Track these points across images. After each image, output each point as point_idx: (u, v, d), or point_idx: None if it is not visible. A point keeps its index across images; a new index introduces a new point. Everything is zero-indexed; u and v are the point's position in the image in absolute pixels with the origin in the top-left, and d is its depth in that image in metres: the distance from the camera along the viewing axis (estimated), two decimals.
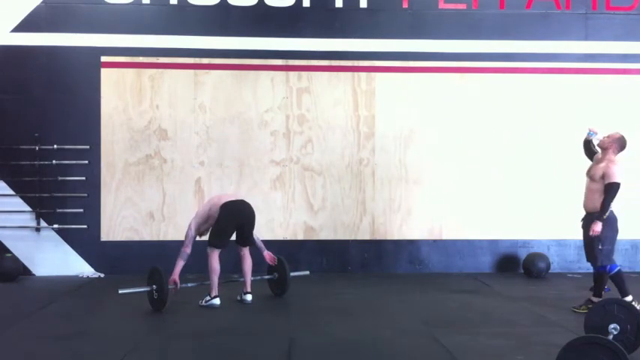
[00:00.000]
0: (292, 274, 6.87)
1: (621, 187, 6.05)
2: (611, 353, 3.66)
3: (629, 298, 5.89)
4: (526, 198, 8.32)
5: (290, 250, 8.22)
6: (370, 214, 8.29)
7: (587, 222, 6.10)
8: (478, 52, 8.34)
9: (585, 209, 6.18)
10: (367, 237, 8.29)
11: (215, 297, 6.34)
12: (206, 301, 6.34)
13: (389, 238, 8.31)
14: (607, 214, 6.00)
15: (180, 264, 6.29)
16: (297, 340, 5.14)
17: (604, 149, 6.13)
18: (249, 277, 6.58)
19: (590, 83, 8.43)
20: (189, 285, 6.48)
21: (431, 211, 8.30)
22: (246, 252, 6.60)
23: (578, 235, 8.24)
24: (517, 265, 8.33)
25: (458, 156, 8.31)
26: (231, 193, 6.95)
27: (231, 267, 7.89)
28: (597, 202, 6.02)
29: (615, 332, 4.52)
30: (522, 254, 8.28)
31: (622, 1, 8.46)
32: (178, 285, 6.23)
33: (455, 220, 8.31)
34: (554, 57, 8.41)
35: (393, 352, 4.91)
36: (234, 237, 6.55)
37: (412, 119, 8.31)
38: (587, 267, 8.40)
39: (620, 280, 6.10)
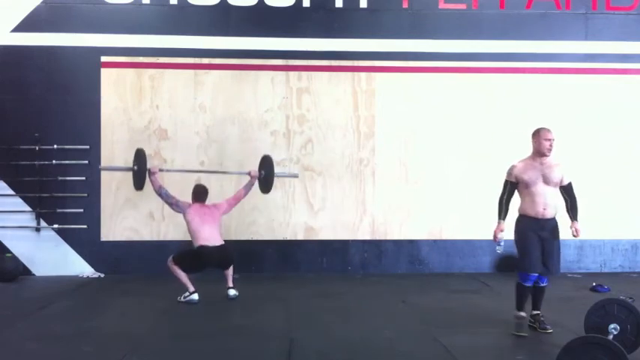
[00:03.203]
0: (279, 173, 7.19)
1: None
2: (611, 353, 3.66)
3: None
4: None
5: (290, 250, 8.24)
6: (370, 214, 8.29)
7: (553, 227, 5.44)
8: (478, 52, 8.34)
9: (547, 215, 5.40)
10: (367, 237, 8.30)
11: (193, 292, 6.46)
12: (185, 297, 6.46)
13: (389, 238, 8.31)
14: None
15: (156, 187, 6.63)
16: (297, 340, 5.14)
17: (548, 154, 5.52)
18: (230, 274, 6.71)
19: (590, 83, 8.43)
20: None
21: (431, 211, 8.30)
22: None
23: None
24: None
25: (458, 156, 8.32)
26: (208, 231, 6.50)
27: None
28: (559, 206, 5.50)
29: (615, 332, 4.52)
30: None
31: (622, 1, 8.47)
32: (157, 169, 6.68)
33: (455, 220, 8.31)
34: (554, 57, 8.41)
35: (393, 352, 4.90)
36: None
37: (412, 119, 8.31)
38: (587, 267, 8.46)
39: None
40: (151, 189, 7.95)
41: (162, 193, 6.64)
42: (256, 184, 6.96)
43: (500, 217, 5.56)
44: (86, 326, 5.61)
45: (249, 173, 6.96)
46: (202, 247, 6.48)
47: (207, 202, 6.88)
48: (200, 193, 6.85)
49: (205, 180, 7.74)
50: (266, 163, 6.98)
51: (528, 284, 5.40)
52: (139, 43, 8.10)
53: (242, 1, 8.17)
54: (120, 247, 8.03)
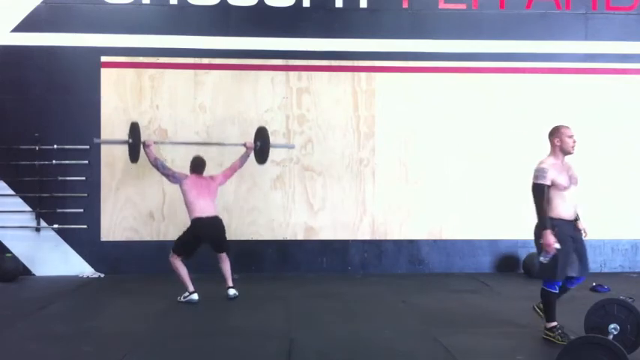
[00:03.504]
0: (275, 144, 7.38)
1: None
2: (611, 353, 3.66)
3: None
4: (526, 198, 8.28)
5: (290, 250, 8.24)
6: (370, 214, 8.29)
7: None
8: (478, 52, 8.34)
9: (574, 216, 5.31)
10: (367, 237, 8.30)
11: (193, 292, 6.51)
12: (184, 297, 6.51)
13: (389, 238, 8.31)
14: None
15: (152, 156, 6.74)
16: (297, 340, 5.14)
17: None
18: (228, 274, 6.74)
19: (590, 83, 8.43)
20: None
21: (431, 211, 8.30)
22: (222, 255, 6.75)
23: None
24: (517, 265, 8.33)
25: (458, 156, 8.32)
26: (203, 203, 6.58)
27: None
28: None
29: (615, 332, 4.52)
30: (522, 254, 8.28)
31: (622, 1, 8.47)
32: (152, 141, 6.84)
33: (455, 220, 8.31)
34: (554, 57, 8.41)
35: (393, 352, 4.91)
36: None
37: (412, 119, 8.31)
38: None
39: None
40: (150, 188, 8.01)
41: (158, 165, 6.72)
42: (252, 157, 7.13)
43: (547, 226, 5.07)
44: (86, 326, 5.61)
45: (244, 144, 7.06)
46: (197, 220, 6.54)
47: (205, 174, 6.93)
48: (198, 165, 6.90)
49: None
50: (261, 135, 7.11)
51: (556, 291, 5.17)
52: (139, 43, 8.10)
53: (242, 1, 8.17)
54: (120, 247, 8.03)
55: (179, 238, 6.69)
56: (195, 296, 6.47)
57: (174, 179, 6.76)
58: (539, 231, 5.14)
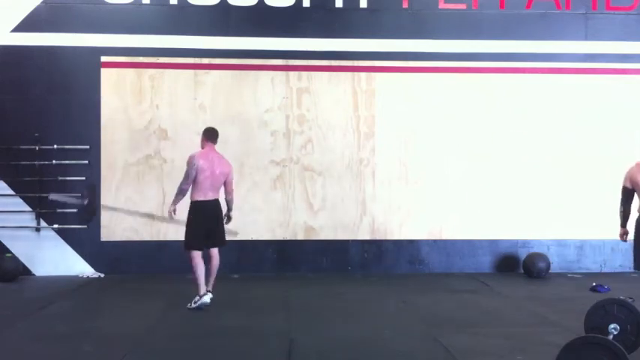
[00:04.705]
0: None
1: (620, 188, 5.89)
2: (611, 353, 3.65)
3: None
4: (526, 198, 8.32)
5: (290, 250, 8.24)
6: (370, 214, 8.29)
7: None
8: (478, 52, 8.34)
9: None
10: (367, 237, 8.29)
11: (204, 295, 6.14)
12: (195, 302, 6.15)
13: (389, 238, 8.31)
14: None
15: (179, 197, 6.28)
16: (297, 340, 5.14)
17: None
18: (213, 277, 6.31)
19: (590, 83, 8.43)
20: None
21: (431, 211, 8.30)
22: (214, 252, 6.34)
23: (579, 235, 8.32)
24: (517, 265, 8.33)
25: (458, 156, 8.31)
26: (210, 185, 6.20)
27: (229, 267, 7.89)
28: None
29: (615, 332, 4.51)
30: (522, 254, 8.28)
31: (622, 1, 8.47)
32: (175, 211, 6.30)
33: (455, 220, 8.31)
34: (554, 57, 8.41)
35: (393, 352, 4.90)
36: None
37: (412, 119, 8.31)
38: (587, 267, 8.46)
39: None
40: (150, 188, 7.99)
41: (187, 188, 6.26)
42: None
43: None
44: (86, 326, 5.61)
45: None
46: (196, 202, 6.20)
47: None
48: (213, 135, 6.41)
49: None
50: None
51: None
52: (139, 43, 8.10)
53: (242, 1, 8.17)
54: (120, 247, 8.03)
55: (186, 231, 6.29)
56: (206, 299, 6.15)
57: (194, 172, 6.22)
58: None
